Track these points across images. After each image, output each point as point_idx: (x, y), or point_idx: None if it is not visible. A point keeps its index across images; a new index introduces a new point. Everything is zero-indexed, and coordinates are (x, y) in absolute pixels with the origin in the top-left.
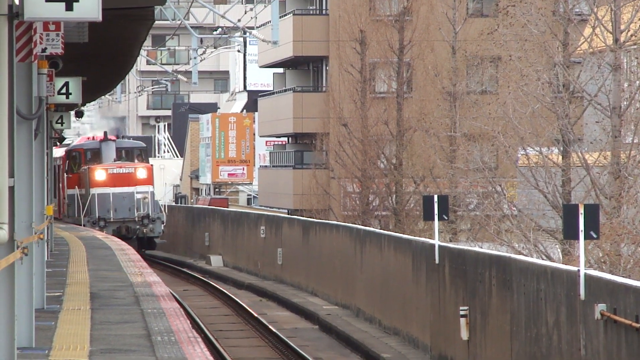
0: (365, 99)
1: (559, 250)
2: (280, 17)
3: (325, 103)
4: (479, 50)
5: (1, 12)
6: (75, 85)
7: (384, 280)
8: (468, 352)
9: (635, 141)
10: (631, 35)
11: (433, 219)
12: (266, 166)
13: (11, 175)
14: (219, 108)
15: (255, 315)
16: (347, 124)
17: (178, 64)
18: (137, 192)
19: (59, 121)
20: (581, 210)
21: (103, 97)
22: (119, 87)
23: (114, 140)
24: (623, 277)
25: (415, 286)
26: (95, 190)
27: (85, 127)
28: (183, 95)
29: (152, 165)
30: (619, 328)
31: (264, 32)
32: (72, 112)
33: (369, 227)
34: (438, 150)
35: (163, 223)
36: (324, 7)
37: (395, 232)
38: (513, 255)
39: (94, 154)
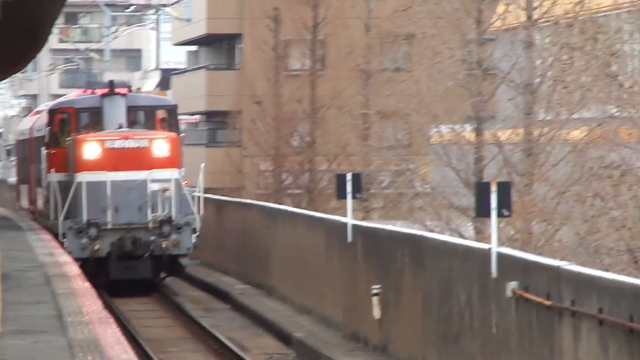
0: (279, 76)
1: (471, 228)
2: None
3: (239, 81)
4: (393, 28)
5: None
6: None
7: (297, 259)
8: (380, 331)
9: (547, 118)
10: (544, 13)
11: (346, 197)
12: None
13: None
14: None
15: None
16: (260, 101)
17: (90, 42)
18: (153, 180)
19: None
20: (493, 187)
21: (14, 75)
22: (30, 65)
23: (123, 95)
24: (534, 255)
25: (328, 265)
26: (82, 177)
27: None
28: (96, 73)
29: (179, 135)
30: (531, 306)
31: (177, 10)
32: None
33: (282, 205)
34: (351, 128)
35: (195, 232)
36: None
37: (308, 211)
38: (425, 234)
39: (93, 117)
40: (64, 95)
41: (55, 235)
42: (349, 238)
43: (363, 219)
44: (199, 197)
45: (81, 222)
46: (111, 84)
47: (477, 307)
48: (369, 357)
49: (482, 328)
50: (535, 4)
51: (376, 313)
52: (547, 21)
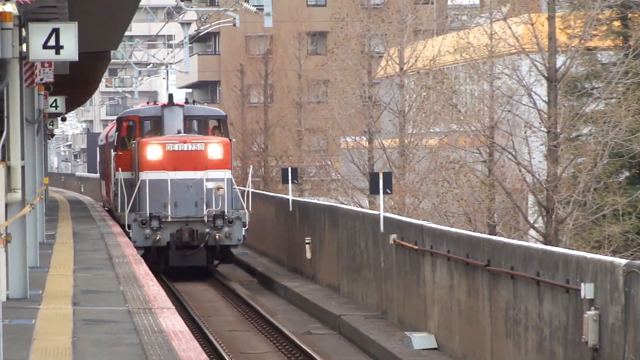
0: (244, 107)
1: (367, 201)
2: (190, 56)
3: None
4: (316, 76)
5: (15, 55)
6: (61, 101)
7: (258, 222)
8: (311, 266)
9: (413, 132)
10: (410, 66)
11: (288, 183)
12: None
13: (22, 158)
14: None
15: None
16: (232, 123)
17: (125, 87)
18: (208, 179)
19: (51, 124)
20: (381, 176)
21: (78, 107)
22: (88, 101)
23: (181, 106)
24: (407, 217)
25: (278, 225)
26: (146, 175)
27: (67, 127)
28: (129, 106)
29: (231, 140)
30: (405, 249)
31: (179, 66)
32: (59, 118)
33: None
34: (290, 139)
35: (245, 226)
36: (217, 50)
37: (264, 191)
38: (339, 205)
39: (155, 124)
40: (111, 120)
41: (122, 226)
42: (290, 208)
43: (299, 196)
44: (248, 194)
45: (144, 215)
46: (170, 97)
47: (372, 250)
48: (303, 282)
49: (374, 264)
50: (405, 61)
51: (308, 255)
52: (413, 71)
